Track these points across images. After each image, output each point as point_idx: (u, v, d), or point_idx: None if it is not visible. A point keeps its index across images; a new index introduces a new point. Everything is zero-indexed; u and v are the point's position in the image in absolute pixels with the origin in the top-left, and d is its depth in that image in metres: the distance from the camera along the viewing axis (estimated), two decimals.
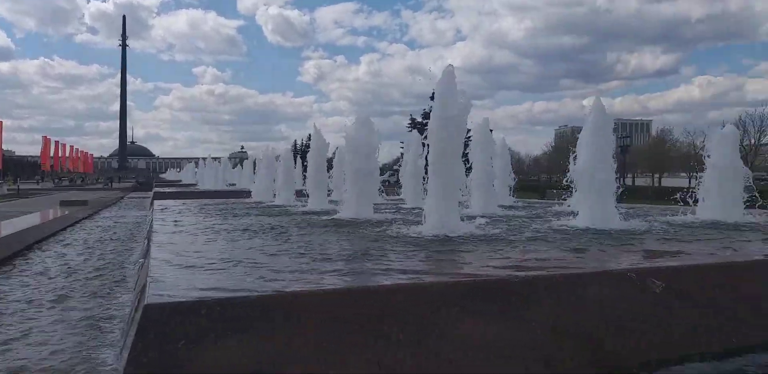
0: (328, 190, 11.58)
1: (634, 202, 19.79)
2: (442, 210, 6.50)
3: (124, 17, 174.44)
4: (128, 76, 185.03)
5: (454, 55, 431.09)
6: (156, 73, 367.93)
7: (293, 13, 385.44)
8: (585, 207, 7.25)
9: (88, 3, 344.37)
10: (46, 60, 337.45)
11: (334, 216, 8.72)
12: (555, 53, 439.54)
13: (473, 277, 3.63)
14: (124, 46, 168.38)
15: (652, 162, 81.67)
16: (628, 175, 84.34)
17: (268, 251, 4.97)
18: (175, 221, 8.56)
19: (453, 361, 3.03)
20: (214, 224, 8.00)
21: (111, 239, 11.79)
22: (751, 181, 7.84)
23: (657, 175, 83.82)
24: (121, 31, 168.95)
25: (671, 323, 3.61)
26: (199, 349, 2.94)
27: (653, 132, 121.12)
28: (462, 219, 6.56)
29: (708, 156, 8.06)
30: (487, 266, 4.20)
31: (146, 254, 5.45)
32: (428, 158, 6.41)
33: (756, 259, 4.76)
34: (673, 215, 8.35)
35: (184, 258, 4.57)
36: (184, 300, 3.04)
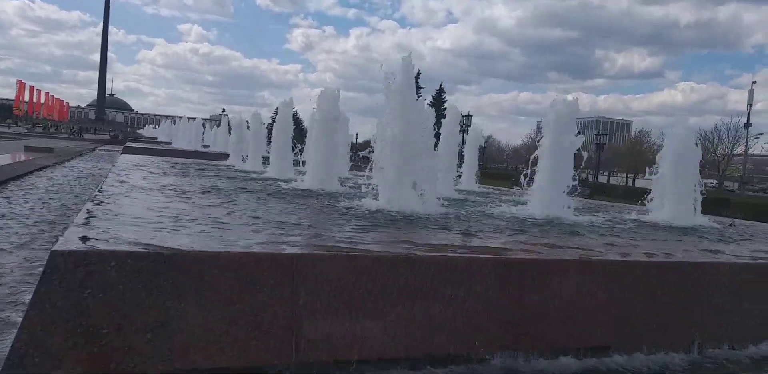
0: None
1: (603, 200, 20.18)
2: (395, 187, 6.54)
3: None
4: (111, 27, 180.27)
5: (444, 36, 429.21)
6: (140, 26, 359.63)
7: None
8: (535, 198, 7.34)
9: None
10: (26, 1, 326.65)
11: (292, 185, 8.70)
12: (543, 45, 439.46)
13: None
14: None
15: (627, 162, 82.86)
16: (604, 173, 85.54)
17: (209, 211, 4.93)
18: (126, 177, 8.45)
19: None
20: (169, 183, 7.92)
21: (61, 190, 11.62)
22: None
23: (632, 176, 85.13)
24: None
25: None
26: (105, 299, 2.93)
27: (633, 133, 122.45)
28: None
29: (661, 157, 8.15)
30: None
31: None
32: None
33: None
34: (627, 213, 8.49)
35: (114, 212, 4.52)
36: (92, 248, 3.01)
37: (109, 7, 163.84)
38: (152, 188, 6.64)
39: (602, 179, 75.71)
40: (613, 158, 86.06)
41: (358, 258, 3.39)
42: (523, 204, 7.68)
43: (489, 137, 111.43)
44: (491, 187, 14.69)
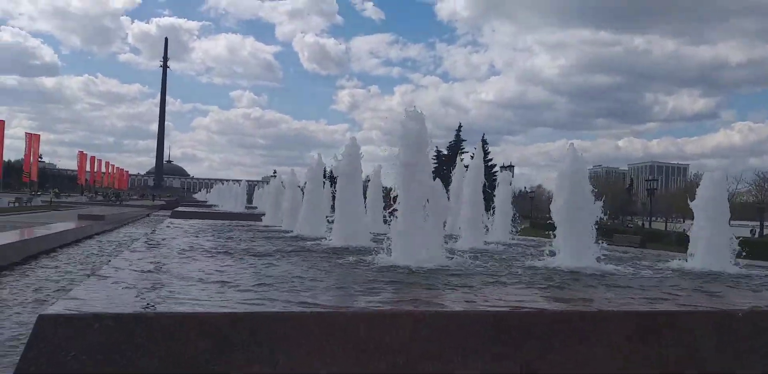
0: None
1: (654, 248, 19.39)
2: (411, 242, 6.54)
3: (166, 39, 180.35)
4: (168, 97, 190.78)
5: (488, 89, 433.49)
6: (194, 95, 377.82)
7: (329, 42, 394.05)
8: (562, 248, 7.16)
9: (132, 23, 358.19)
10: (89, 77, 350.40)
11: (321, 243, 8.78)
12: (590, 92, 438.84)
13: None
14: (165, 67, 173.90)
15: (684, 207, 79.84)
16: (659, 219, 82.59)
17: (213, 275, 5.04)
18: (162, 239, 8.74)
19: None
20: (197, 244, 8.14)
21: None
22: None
23: (691, 221, 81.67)
24: (162, 53, 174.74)
25: None
26: (89, 362, 3.00)
27: (689, 176, 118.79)
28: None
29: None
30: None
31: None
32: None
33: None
34: (666, 261, 8.13)
35: (126, 272, 4.68)
36: (78, 313, 3.11)
37: (166, 79, 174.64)
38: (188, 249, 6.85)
39: (659, 226, 73.04)
40: (670, 204, 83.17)
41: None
42: (552, 255, 7.48)
43: (538, 187, 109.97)
44: (535, 237, 14.38)
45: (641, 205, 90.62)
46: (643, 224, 64.38)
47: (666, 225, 77.87)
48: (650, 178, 65.76)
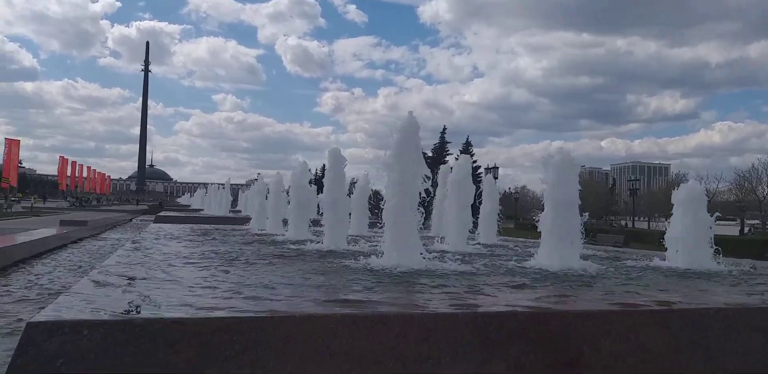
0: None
1: (637, 247, 19.64)
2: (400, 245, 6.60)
3: (147, 43, 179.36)
4: (149, 101, 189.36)
5: (471, 91, 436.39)
6: (176, 99, 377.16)
7: (312, 44, 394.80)
8: (543, 248, 7.25)
9: (112, 27, 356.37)
10: (69, 81, 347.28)
11: (308, 247, 8.79)
12: (572, 93, 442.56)
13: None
14: (146, 71, 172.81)
15: (666, 207, 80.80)
16: (642, 219, 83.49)
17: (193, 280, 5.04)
18: (147, 244, 8.69)
19: None
20: (181, 249, 8.11)
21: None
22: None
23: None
24: (144, 56, 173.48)
25: None
26: (79, 368, 3.00)
27: (671, 176, 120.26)
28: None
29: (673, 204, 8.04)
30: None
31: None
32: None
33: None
34: (645, 260, 8.25)
35: (114, 277, 4.67)
36: (66, 319, 3.11)
37: (147, 83, 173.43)
38: (153, 258, 6.82)
39: (643, 225, 73.87)
40: (652, 203, 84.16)
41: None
42: (530, 256, 7.57)
43: (523, 188, 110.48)
44: (520, 238, 14.48)
45: (624, 205, 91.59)
46: (626, 224, 65.05)
47: (649, 224, 78.81)
48: (632, 177, 66.57)
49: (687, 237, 7.71)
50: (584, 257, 7.47)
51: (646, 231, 45.83)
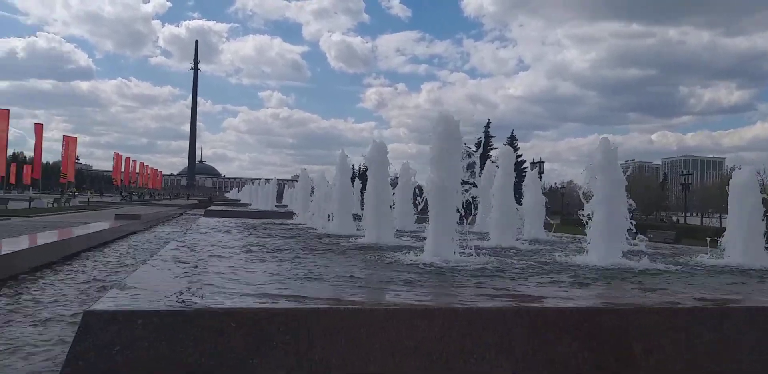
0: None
1: (689, 243, 18.99)
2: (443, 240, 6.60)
3: (196, 42, 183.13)
4: (198, 98, 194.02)
5: (516, 84, 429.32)
6: (224, 96, 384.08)
7: (356, 40, 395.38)
8: (592, 245, 7.11)
9: (162, 27, 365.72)
10: (123, 80, 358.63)
11: (351, 241, 8.86)
12: (621, 85, 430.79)
13: None
14: (195, 69, 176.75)
15: (719, 202, 77.87)
16: (696, 215, 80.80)
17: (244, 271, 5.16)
18: (198, 236, 8.95)
19: None
20: (228, 241, 8.32)
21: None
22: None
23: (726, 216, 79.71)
24: (193, 55, 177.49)
25: None
26: (133, 355, 3.13)
27: (725, 170, 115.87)
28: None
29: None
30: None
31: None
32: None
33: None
34: (695, 256, 8.00)
35: (167, 268, 4.83)
36: (121, 309, 3.24)
37: (197, 81, 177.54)
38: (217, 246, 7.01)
39: (695, 221, 71.49)
40: (705, 198, 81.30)
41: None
42: (577, 251, 7.45)
43: (569, 183, 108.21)
44: (567, 234, 14.21)
45: (675, 200, 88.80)
46: (677, 219, 63.06)
47: (701, 220, 76.21)
48: (685, 172, 64.47)
49: (740, 229, 7.43)
50: (632, 253, 7.31)
51: (698, 227, 44.32)
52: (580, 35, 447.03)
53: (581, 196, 7.37)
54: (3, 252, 8.66)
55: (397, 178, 15.09)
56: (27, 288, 7.56)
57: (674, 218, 72.71)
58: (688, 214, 73.69)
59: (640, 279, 5.53)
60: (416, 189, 14.18)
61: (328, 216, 11.87)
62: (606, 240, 7.01)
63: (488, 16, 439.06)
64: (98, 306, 3.28)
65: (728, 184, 7.90)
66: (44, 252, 9.97)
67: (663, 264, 6.95)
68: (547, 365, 3.54)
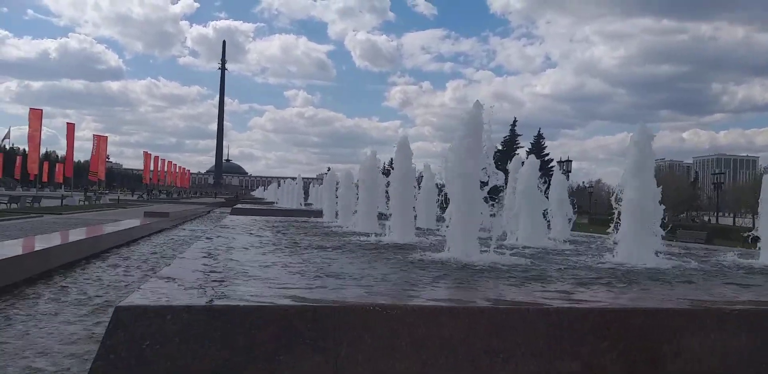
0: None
1: (721, 244, 18.63)
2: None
3: (224, 42, 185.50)
4: (225, 98, 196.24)
5: (543, 82, 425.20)
6: (251, 95, 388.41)
7: (381, 39, 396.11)
8: (619, 244, 7.01)
9: (190, 27, 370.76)
10: (152, 80, 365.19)
11: (375, 239, 8.88)
12: (652, 82, 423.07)
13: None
14: (223, 69, 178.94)
15: (752, 202, 75.97)
16: (727, 215, 79.08)
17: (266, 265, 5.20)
18: (226, 233, 9.05)
19: None
20: (257, 238, 8.40)
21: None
22: None
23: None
24: (220, 55, 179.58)
25: None
26: (163, 350, 3.18)
27: (759, 169, 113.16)
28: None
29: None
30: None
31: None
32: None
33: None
34: (728, 256, 7.83)
35: (196, 265, 4.90)
36: (152, 304, 3.29)
37: (224, 80, 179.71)
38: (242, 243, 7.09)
39: (727, 221, 69.94)
40: (738, 198, 79.48)
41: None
42: (606, 251, 7.34)
43: (597, 182, 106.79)
44: (595, 233, 14.01)
45: (707, 200, 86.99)
46: (709, 219, 61.81)
47: (734, 220, 74.53)
48: (717, 171, 63.19)
49: None
50: (663, 254, 7.18)
51: (731, 227, 43.37)
52: (609, 32, 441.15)
53: (612, 200, 7.23)
54: (36, 249, 8.88)
55: (422, 177, 15.05)
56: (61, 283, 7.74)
57: (706, 218, 71.32)
58: (720, 214, 72.18)
59: (669, 280, 5.43)
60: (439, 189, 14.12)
61: (355, 215, 11.90)
62: (636, 240, 6.91)
63: (515, 13, 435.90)
64: (129, 301, 3.34)
65: (761, 184, 7.74)
66: (74, 250, 10.18)
67: (695, 262, 6.83)
68: (575, 365, 3.49)
